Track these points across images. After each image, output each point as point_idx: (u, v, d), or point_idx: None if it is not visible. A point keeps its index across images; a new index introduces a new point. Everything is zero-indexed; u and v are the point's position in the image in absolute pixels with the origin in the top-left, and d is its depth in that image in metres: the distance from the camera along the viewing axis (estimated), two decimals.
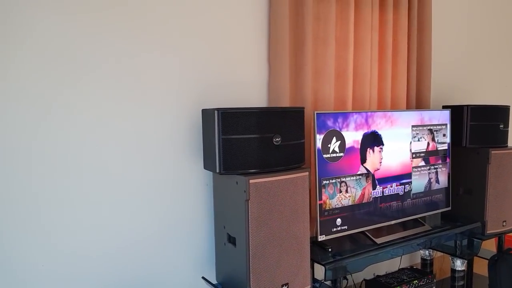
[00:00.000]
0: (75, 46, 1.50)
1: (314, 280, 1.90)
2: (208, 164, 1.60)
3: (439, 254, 2.70)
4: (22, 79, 1.42)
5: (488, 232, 2.29)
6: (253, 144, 1.50)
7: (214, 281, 1.76)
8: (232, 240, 1.59)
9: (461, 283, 2.25)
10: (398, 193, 2.11)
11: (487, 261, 2.37)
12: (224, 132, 1.47)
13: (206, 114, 1.58)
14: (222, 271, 1.71)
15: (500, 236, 2.47)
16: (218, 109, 1.48)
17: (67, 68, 1.49)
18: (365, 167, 1.95)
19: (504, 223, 2.34)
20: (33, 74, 1.44)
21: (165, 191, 1.73)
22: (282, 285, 1.56)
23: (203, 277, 1.80)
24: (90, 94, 1.54)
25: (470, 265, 2.56)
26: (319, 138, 1.80)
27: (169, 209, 1.74)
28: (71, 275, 1.54)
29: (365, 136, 1.96)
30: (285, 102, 1.90)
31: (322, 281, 1.79)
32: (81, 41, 1.51)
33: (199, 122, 1.78)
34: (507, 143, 2.42)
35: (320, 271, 1.78)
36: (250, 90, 1.92)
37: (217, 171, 1.51)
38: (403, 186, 2.13)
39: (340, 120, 1.87)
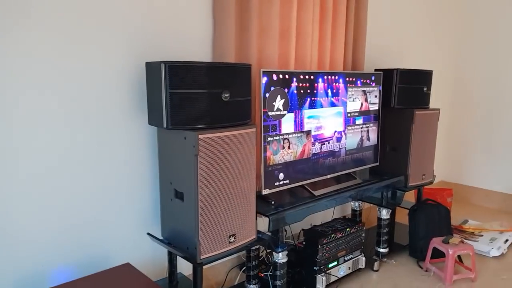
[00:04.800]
0: None
1: (257, 232, 2.00)
2: (153, 119, 1.56)
3: (367, 205, 2.96)
4: None
5: (410, 184, 2.55)
6: (201, 99, 1.49)
7: (160, 237, 1.78)
8: (179, 195, 1.60)
9: (386, 230, 2.51)
10: (334, 150, 2.25)
11: (408, 210, 2.66)
12: (171, 86, 1.44)
13: (151, 67, 1.52)
14: (167, 226, 1.72)
15: (419, 188, 2.77)
16: (165, 62, 1.43)
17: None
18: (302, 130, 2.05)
19: (424, 176, 2.63)
20: None
21: (106, 147, 1.67)
22: (229, 236, 1.62)
23: (148, 233, 1.80)
24: (22, 43, 1.41)
25: (392, 215, 2.85)
26: (265, 95, 1.84)
27: (112, 166, 1.69)
28: (12, 237, 1.46)
29: (305, 97, 2.04)
30: (230, 59, 1.89)
31: (266, 231, 1.89)
32: None
33: (139, 76, 1.71)
34: (428, 104, 2.66)
35: (262, 223, 1.87)
36: (193, 46, 1.87)
37: (164, 126, 1.48)
38: (338, 143, 2.27)
39: (285, 78, 1.92)
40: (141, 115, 1.75)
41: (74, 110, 1.56)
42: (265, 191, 1.91)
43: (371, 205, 2.94)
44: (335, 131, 2.24)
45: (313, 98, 2.07)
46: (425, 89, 2.60)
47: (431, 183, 2.71)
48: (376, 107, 2.49)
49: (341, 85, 2.23)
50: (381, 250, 2.52)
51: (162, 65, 1.44)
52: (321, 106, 2.13)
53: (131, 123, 1.72)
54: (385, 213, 2.50)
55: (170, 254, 1.80)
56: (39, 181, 1.50)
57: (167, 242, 1.73)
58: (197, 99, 1.48)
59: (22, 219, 1.48)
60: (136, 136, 1.75)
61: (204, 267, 1.90)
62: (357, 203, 2.73)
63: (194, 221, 1.54)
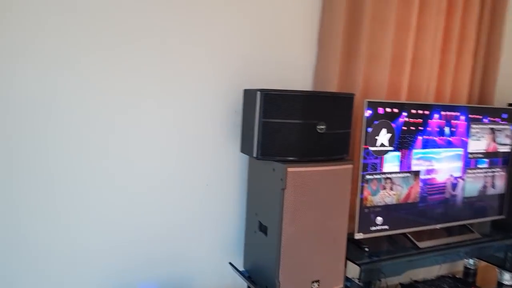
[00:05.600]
0: (113, 15, 1.44)
1: (346, 279, 1.79)
2: (245, 147, 1.51)
3: (483, 263, 2.50)
4: (55, 47, 1.38)
5: None
6: (294, 130, 1.39)
7: (241, 268, 1.70)
8: (263, 228, 1.51)
9: None
10: (448, 196, 1.93)
11: None
12: (265, 115, 1.37)
13: (248, 94, 1.48)
14: (250, 258, 1.64)
15: None
16: (261, 90, 1.37)
17: (104, 41, 1.43)
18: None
19: None
20: (65, 42, 1.39)
21: (198, 173, 1.66)
22: (313, 282, 1.47)
23: (230, 263, 1.74)
24: (124, 70, 1.48)
25: None
26: (367, 128, 1.66)
27: (201, 191, 1.68)
28: (101, 258, 1.52)
29: (416, 134, 1.79)
30: (332, 87, 1.76)
31: (355, 279, 1.68)
32: (119, 11, 1.44)
33: (237, 103, 1.68)
34: None
35: (353, 270, 1.67)
36: (294, 72, 1.79)
37: (254, 155, 1.41)
38: (454, 188, 1.95)
39: (393, 111, 1.71)
40: (235, 142, 1.71)
41: (173, 133, 1.59)
42: (358, 235, 1.70)
43: (489, 264, 2.46)
44: (451, 175, 1.92)
45: (425, 136, 1.81)
46: None
47: None
48: (506, 149, 2.09)
49: (463, 122, 1.91)
50: None
51: (258, 93, 1.38)
52: (436, 146, 1.85)
53: (226, 150, 1.69)
54: (508, 278, 2.06)
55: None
56: (131, 202, 1.55)
57: (248, 275, 1.64)
58: (290, 129, 1.38)
59: (115, 239, 1.54)
60: (229, 163, 1.71)
61: None
62: (471, 260, 2.31)
63: (275, 259, 1.42)
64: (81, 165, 1.45)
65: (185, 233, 1.67)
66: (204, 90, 1.62)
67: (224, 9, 1.61)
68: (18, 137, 1.35)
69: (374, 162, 1.70)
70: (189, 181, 1.65)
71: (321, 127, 1.41)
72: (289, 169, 1.36)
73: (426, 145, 1.82)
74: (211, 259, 1.74)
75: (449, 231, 1.98)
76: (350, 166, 1.50)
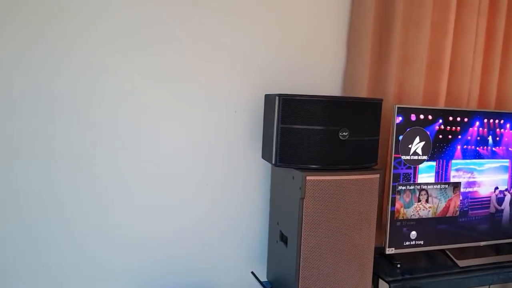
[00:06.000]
0: (139, 23, 1.47)
1: None
2: (265, 154, 1.47)
3: None
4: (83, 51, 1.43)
5: None
6: (315, 137, 1.33)
7: (264, 278, 1.65)
8: (284, 238, 1.46)
9: None
10: (493, 211, 1.76)
11: None
12: (284, 120, 1.33)
13: (268, 99, 1.44)
14: (272, 269, 1.59)
15: None
16: (280, 95, 1.33)
17: (133, 46, 1.47)
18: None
19: None
20: (90, 46, 1.44)
21: (222, 178, 1.65)
22: None
23: (252, 272, 1.69)
24: (148, 76, 1.51)
25: None
26: (399, 136, 1.56)
27: (225, 197, 1.66)
28: (121, 264, 1.55)
29: (454, 143, 1.66)
30: (362, 92, 1.68)
31: None
32: (145, 19, 1.48)
33: (261, 109, 1.65)
34: None
35: (385, 287, 1.56)
36: (323, 77, 1.73)
37: (273, 162, 1.37)
38: (500, 202, 1.77)
39: (428, 117, 1.59)
40: (258, 149, 1.68)
41: (195, 140, 1.59)
42: (389, 250, 1.59)
43: None
44: (496, 188, 1.75)
45: (465, 146, 1.67)
46: None
47: None
48: None
49: (509, 131, 1.75)
50: None
51: (277, 97, 1.34)
52: (478, 157, 1.70)
53: (249, 156, 1.67)
54: None
55: None
56: (154, 210, 1.56)
57: (270, 287, 1.59)
58: (309, 136, 1.33)
59: (136, 246, 1.56)
60: (252, 169, 1.68)
61: None
62: None
63: (295, 272, 1.36)
64: (99, 170, 1.49)
65: (208, 241, 1.66)
66: (228, 97, 1.61)
67: (251, 13, 1.60)
68: (53, 140, 1.42)
69: (406, 172, 1.59)
70: (214, 184, 1.64)
71: (344, 134, 1.34)
72: (308, 178, 1.30)
73: (466, 155, 1.68)
74: (235, 268, 1.71)
75: (496, 249, 1.80)
76: (377, 175, 1.41)
